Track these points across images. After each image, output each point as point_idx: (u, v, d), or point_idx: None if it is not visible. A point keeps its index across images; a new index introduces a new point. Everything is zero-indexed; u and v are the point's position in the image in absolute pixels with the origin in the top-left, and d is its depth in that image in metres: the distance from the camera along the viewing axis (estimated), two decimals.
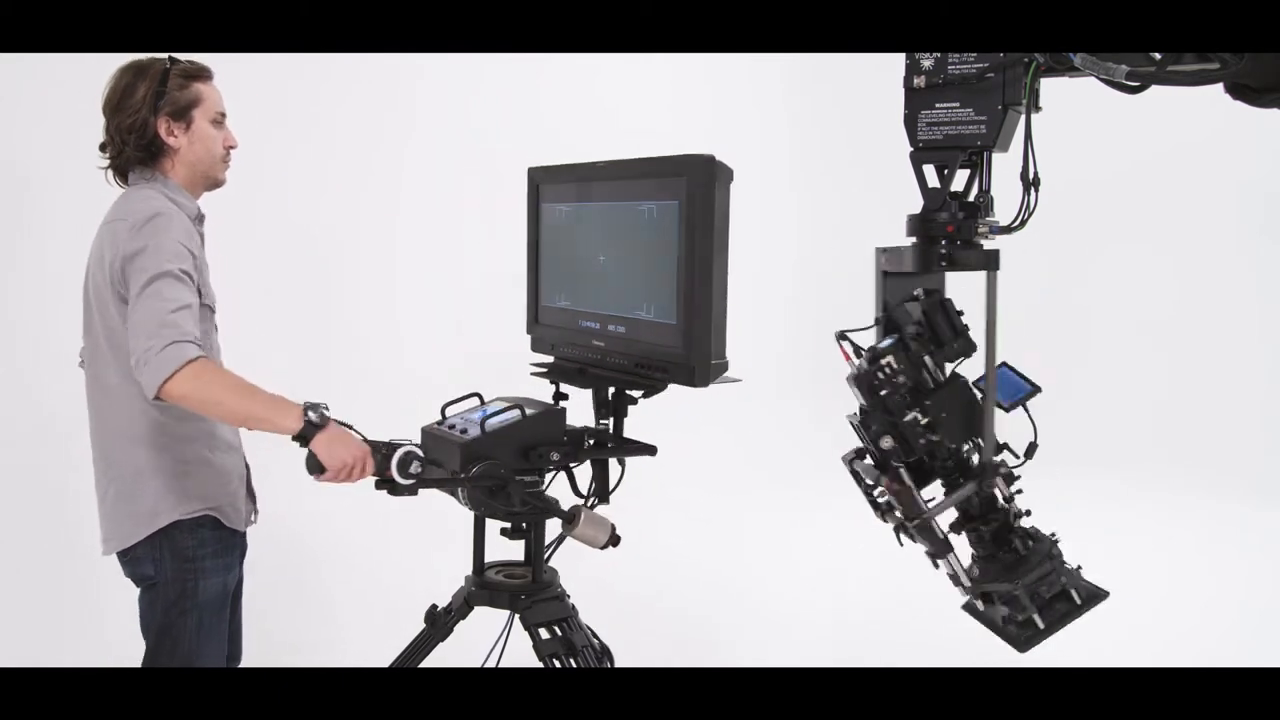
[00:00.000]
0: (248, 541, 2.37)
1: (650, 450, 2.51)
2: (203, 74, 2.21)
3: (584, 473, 2.54)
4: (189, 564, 2.14)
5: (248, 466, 2.38)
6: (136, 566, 2.17)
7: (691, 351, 2.23)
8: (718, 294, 2.26)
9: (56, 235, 3.99)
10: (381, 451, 2.07)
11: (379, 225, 5.11)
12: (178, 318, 1.93)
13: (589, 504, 2.49)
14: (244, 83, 4.34)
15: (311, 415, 1.97)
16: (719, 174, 2.22)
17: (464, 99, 5.34)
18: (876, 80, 2.81)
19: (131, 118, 2.12)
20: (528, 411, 2.38)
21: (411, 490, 2.11)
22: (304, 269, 4.85)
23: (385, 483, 2.10)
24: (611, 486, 2.55)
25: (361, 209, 4.99)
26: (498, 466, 2.26)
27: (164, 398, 1.90)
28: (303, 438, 1.98)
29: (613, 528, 2.38)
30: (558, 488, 2.55)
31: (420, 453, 2.11)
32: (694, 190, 2.19)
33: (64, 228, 4.02)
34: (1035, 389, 2.18)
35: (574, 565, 2.72)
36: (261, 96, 4.47)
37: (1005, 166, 2.17)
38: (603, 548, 2.38)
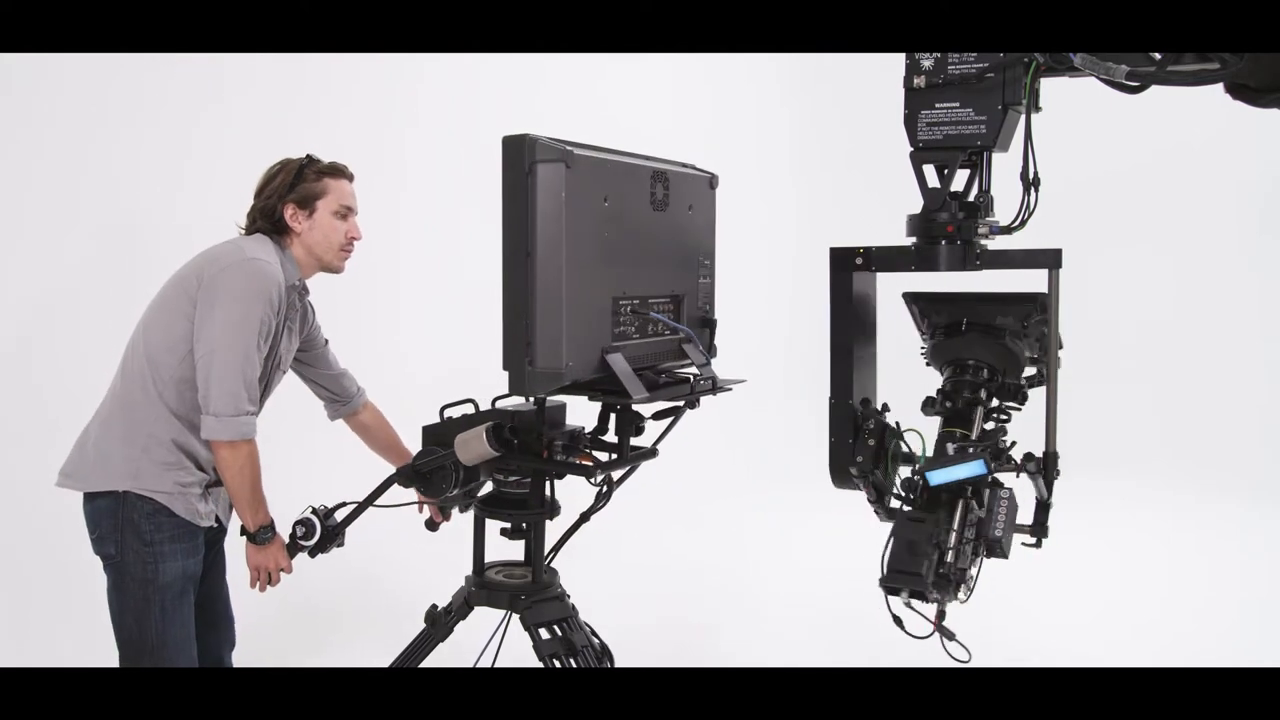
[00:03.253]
0: (224, 533, 2.57)
1: (583, 471, 2.40)
2: (336, 172, 2.49)
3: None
4: (148, 548, 2.30)
5: (210, 489, 2.45)
6: (102, 545, 2.34)
7: (506, 356, 2.11)
8: (543, 291, 2.05)
9: (55, 233, 3.99)
10: (290, 543, 2.47)
11: (380, 224, 5.10)
12: (253, 389, 2.29)
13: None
14: (246, 82, 4.37)
15: (260, 535, 2.39)
16: (540, 155, 2.04)
17: (464, 99, 5.34)
18: (876, 80, 2.81)
19: (264, 202, 2.44)
20: (482, 408, 2.44)
21: (332, 541, 2.50)
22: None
23: (314, 550, 2.48)
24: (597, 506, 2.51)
25: (364, 208, 4.99)
26: (434, 453, 2.40)
27: (210, 442, 2.29)
28: (249, 536, 2.40)
29: (486, 427, 2.33)
30: (564, 488, 2.55)
31: (312, 516, 2.47)
32: (506, 175, 2.08)
33: (57, 226, 4.03)
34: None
35: (574, 565, 2.72)
36: (263, 96, 4.48)
37: (1005, 166, 2.17)
38: (497, 450, 2.35)
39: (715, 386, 2.44)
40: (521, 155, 2.04)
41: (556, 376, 2.08)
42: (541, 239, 2.05)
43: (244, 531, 2.39)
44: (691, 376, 2.44)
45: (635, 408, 2.41)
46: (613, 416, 2.51)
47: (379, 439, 2.82)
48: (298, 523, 2.46)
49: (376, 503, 2.51)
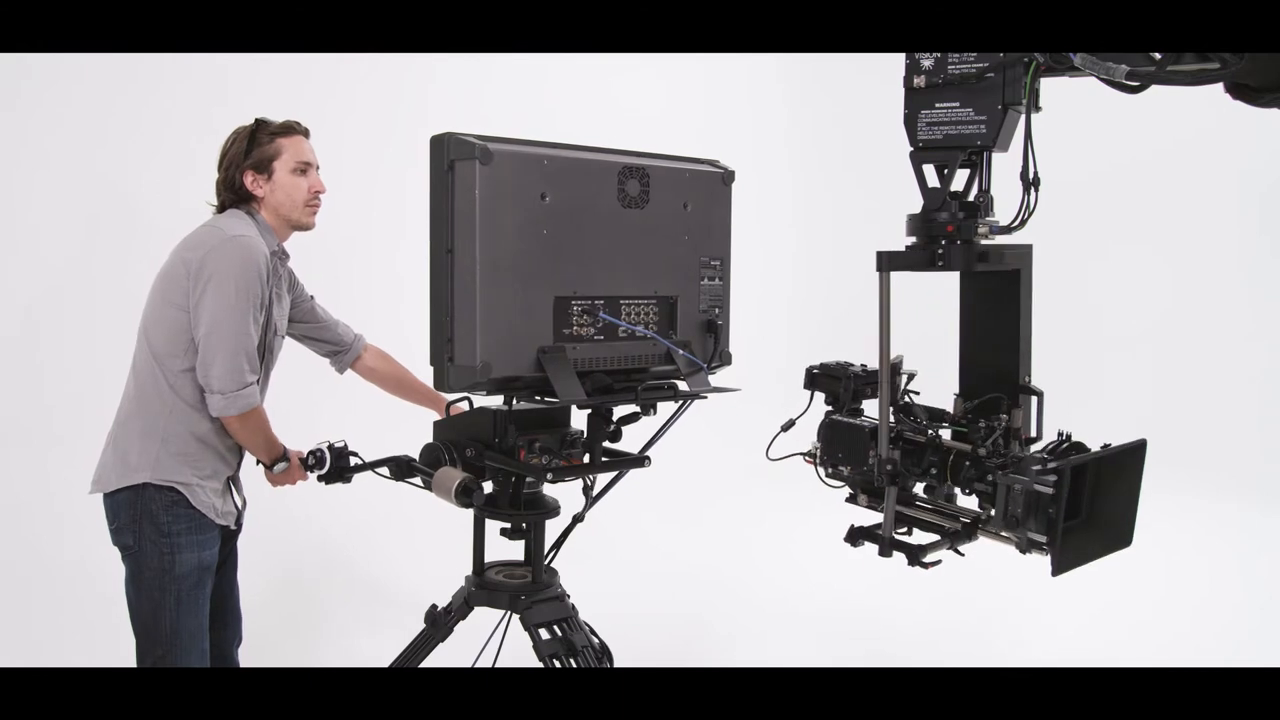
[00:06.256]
0: (239, 531, 2.60)
1: (540, 472, 2.37)
2: (289, 130, 2.48)
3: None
4: (165, 539, 2.34)
5: (231, 483, 2.51)
6: (120, 536, 2.38)
7: (432, 352, 2.14)
8: (460, 290, 2.08)
9: (49, 230, 3.99)
10: (303, 460, 2.55)
11: (384, 223, 5.12)
12: (253, 361, 2.34)
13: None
14: (251, 84, 4.37)
15: (277, 466, 2.51)
16: (456, 152, 2.06)
17: (468, 99, 5.33)
18: (876, 80, 2.81)
19: (224, 174, 2.46)
20: (476, 405, 2.44)
21: (337, 478, 2.51)
22: (311, 268, 4.84)
23: (325, 476, 2.52)
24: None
25: (371, 208, 5.00)
26: (435, 449, 2.39)
27: (220, 418, 2.35)
28: (267, 467, 2.52)
29: (459, 480, 2.28)
30: (567, 490, 2.55)
31: (326, 450, 2.50)
32: (431, 173, 2.10)
33: (51, 225, 4.03)
34: None
35: (574, 565, 2.73)
36: (271, 97, 4.48)
37: (1005, 166, 2.17)
38: (458, 505, 2.31)
39: (676, 394, 2.39)
40: (443, 153, 2.06)
41: (471, 373, 2.09)
42: (459, 236, 2.05)
43: (259, 461, 2.50)
44: (671, 383, 2.41)
45: (606, 411, 2.39)
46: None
47: (389, 377, 2.85)
48: (311, 452, 2.51)
49: (377, 471, 2.51)
